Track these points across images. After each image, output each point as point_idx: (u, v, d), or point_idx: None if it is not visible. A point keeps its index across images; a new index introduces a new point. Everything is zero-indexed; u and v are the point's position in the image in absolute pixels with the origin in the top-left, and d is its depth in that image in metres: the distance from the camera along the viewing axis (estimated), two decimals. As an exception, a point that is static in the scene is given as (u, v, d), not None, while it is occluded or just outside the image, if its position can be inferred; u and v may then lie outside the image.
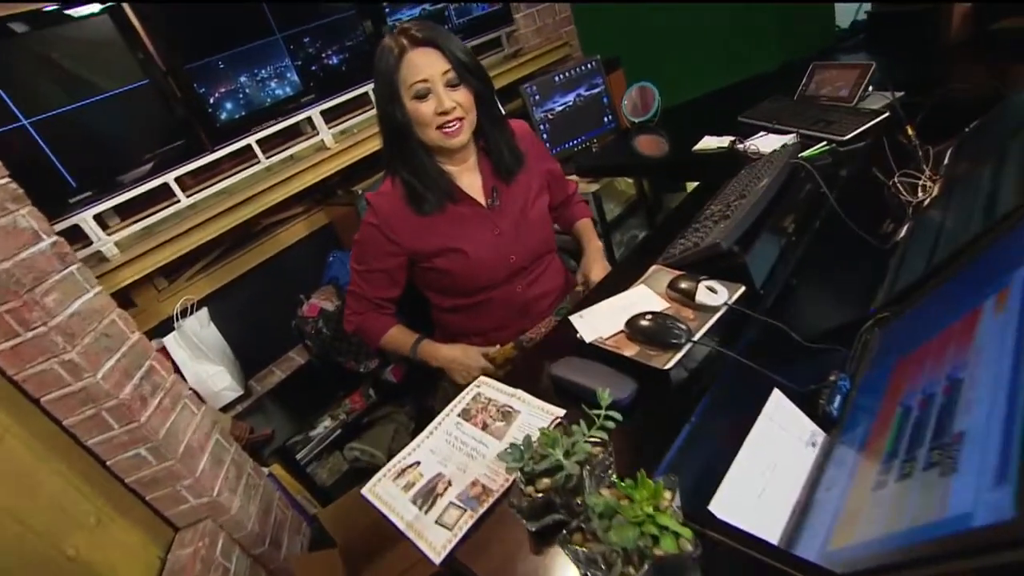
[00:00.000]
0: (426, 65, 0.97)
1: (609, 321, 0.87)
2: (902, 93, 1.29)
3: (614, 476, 0.60)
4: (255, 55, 1.74)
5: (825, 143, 1.26)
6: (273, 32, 1.77)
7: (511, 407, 0.83)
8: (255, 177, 1.81)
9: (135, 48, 1.52)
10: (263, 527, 1.42)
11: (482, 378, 0.92)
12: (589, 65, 1.96)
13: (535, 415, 0.80)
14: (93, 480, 1.21)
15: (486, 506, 0.69)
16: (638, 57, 2.41)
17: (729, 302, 0.82)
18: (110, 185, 1.52)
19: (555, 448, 0.59)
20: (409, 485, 0.76)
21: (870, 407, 0.67)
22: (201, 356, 1.68)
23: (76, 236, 1.50)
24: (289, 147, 1.88)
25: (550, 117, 1.92)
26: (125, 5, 1.48)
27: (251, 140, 1.77)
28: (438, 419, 0.86)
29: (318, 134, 1.93)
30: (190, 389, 1.39)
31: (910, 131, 1.22)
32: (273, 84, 1.80)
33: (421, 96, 0.98)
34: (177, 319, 1.68)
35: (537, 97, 1.89)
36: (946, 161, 1.14)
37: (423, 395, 1.95)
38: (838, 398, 0.72)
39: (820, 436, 0.71)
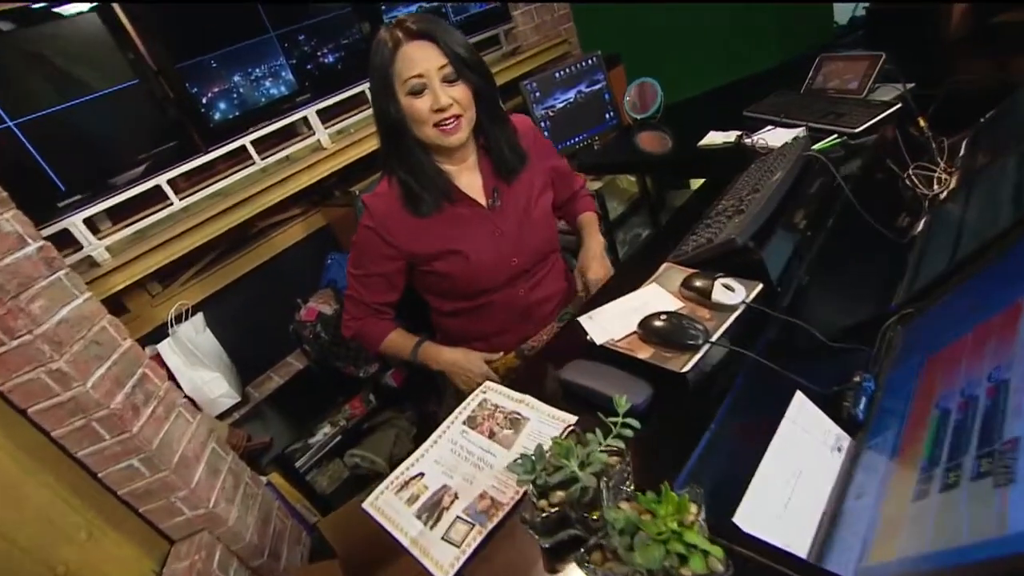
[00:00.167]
0: (422, 59, 0.92)
1: (621, 322, 0.83)
2: (913, 84, 1.26)
3: (632, 488, 0.57)
4: (249, 54, 1.70)
5: (836, 136, 1.22)
6: (267, 30, 1.73)
7: (519, 414, 0.79)
8: (250, 178, 1.77)
9: (125, 47, 1.48)
10: (262, 538, 1.38)
11: (488, 383, 0.88)
12: (590, 61, 1.92)
13: (545, 422, 0.76)
14: (83, 493, 1.17)
15: (495, 521, 0.65)
16: (637, 56, 2.40)
17: (747, 300, 0.79)
18: (100, 188, 1.48)
19: (569, 459, 0.55)
20: (413, 498, 0.72)
21: (899, 409, 0.64)
22: (196, 362, 1.65)
23: (66, 241, 1.46)
24: (284, 148, 1.85)
25: (551, 114, 1.89)
26: (114, 3, 1.45)
27: (246, 141, 1.73)
28: (442, 427, 0.82)
29: (314, 134, 1.90)
30: (185, 397, 1.36)
31: (922, 123, 1.19)
32: (267, 83, 1.76)
33: (416, 92, 0.94)
34: (171, 325, 1.64)
35: (538, 94, 1.86)
36: (962, 153, 1.11)
37: (424, 400, 1.92)
38: (863, 400, 0.69)
39: (846, 440, 0.68)
